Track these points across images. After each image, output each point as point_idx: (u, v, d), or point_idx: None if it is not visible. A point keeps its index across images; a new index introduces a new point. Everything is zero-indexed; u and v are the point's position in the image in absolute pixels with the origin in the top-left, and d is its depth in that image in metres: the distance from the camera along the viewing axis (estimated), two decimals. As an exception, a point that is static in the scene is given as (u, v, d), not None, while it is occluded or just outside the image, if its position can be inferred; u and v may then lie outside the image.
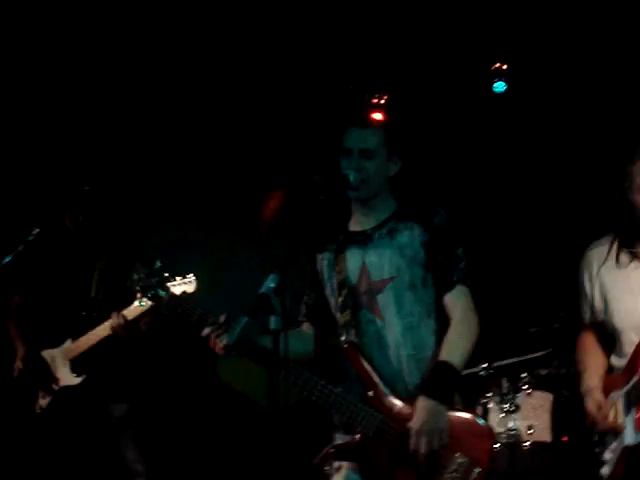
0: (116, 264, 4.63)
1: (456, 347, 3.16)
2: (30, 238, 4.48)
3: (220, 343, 3.18)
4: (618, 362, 3.26)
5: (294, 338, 3.32)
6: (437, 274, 3.24)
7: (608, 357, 3.36)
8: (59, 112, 5.75)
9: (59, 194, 4.77)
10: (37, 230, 4.49)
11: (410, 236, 3.27)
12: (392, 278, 3.24)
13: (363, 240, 3.33)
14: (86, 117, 5.79)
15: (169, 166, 6.08)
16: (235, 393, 5.95)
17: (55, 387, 4.57)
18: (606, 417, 3.14)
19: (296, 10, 5.37)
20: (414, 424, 3.05)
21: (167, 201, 6.09)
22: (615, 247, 3.30)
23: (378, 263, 3.27)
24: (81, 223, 4.70)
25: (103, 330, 4.45)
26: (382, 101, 6.11)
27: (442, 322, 3.25)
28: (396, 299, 3.22)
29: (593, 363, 3.37)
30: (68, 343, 4.57)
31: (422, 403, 3.07)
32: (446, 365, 3.12)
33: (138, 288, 3.36)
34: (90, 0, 5.16)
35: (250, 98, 5.96)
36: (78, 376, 4.54)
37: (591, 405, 3.21)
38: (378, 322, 3.24)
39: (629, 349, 3.19)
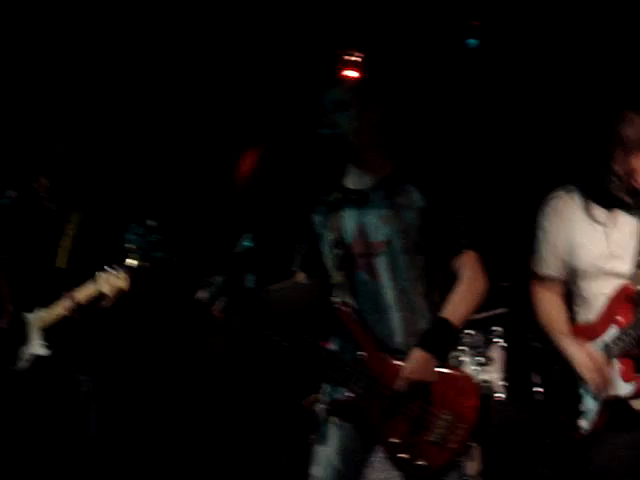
0: (87, 230, 4.52)
1: (457, 306, 3.19)
2: (5, 201, 4.36)
3: (219, 307, 3.18)
4: (585, 312, 3.27)
5: (288, 288, 3.41)
6: (441, 241, 3.25)
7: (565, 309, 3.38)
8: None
9: (33, 155, 4.61)
10: (12, 192, 4.37)
11: (409, 200, 3.26)
12: (389, 241, 3.23)
13: (360, 200, 3.31)
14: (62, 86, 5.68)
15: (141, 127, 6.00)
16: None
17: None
18: (601, 369, 3.13)
19: None
20: (404, 371, 3.11)
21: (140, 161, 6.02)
22: (579, 197, 3.29)
23: (375, 225, 3.26)
24: (50, 188, 4.53)
25: (62, 308, 4.29)
26: (356, 58, 6.07)
27: (433, 286, 3.27)
28: (391, 262, 3.23)
29: (561, 315, 3.37)
30: (38, 312, 4.41)
31: (415, 354, 3.13)
32: (445, 322, 3.16)
33: (134, 247, 3.29)
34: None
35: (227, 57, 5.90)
36: (47, 348, 4.39)
37: (584, 359, 3.19)
38: (373, 283, 3.25)
39: (596, 300, 3.21)
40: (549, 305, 3.40)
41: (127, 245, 3.31)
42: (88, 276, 4.19)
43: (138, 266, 3.31)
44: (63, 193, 4.55)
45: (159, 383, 5.87)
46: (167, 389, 5.87)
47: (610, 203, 3.22)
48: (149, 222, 3.30)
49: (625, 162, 3.16)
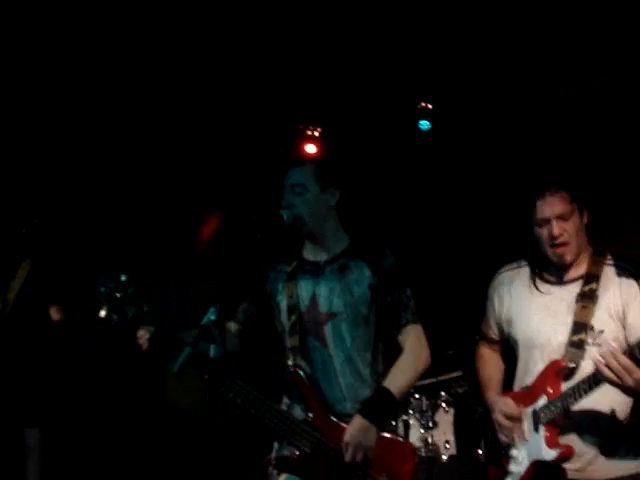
0: (35, 278, 4.58)
1: (397, 377, 3.36)
2: None
3: (144, 344, 3.34)
4: (522, 378, 3.44)
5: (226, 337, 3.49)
6: (387, 315, 3.42)
7: (502, 369, 3.62)
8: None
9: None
10: None
11: (359, 275, 3.43)
12: (339, 314, 3.40)
13: (315, 271, 3.49)
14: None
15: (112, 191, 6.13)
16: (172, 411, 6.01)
17: None
18: (514, 427, 3.35)
19: (234, 41, 5.45)
20: (345, 437, 3.26)
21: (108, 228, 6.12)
22: (526, 271, 3.50)
23: (327, 296, 3.43)
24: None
25: None
26: (315, 133, 6.30)
27: (377, 356, 3.45)
28: (339, 332, 3.39)
29: (495, 374, 3.60)
30: None
31: (356, 420, 3.29)
32: (385, 391, 3.33)
33: (102, 301, 3.38)
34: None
35: (190, 126, 6.08)
36: None
37: (498, 415, 3.40)
38: (323, 350, 3.41)
39: (533, 367, 3.37)
40: (487, 361, 3.66)
41: (96, 297, 3.37)
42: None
43: (106, 318, 3.36)
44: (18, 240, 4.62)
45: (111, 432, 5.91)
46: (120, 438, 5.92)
47: (552, 278, 3.43)
48: (121, 275, 3.38)
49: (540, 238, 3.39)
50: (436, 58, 5.53)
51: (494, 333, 3.62)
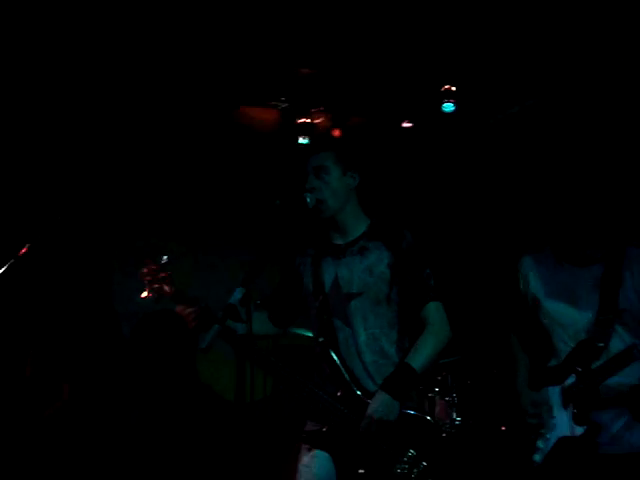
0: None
1: (419, 353, 3.38)
2: None
3: (192, 321, 3.42)
4: (549, 358, 3.47)
5: (262, 320, 3.65)
6: (409, 293, 3.44)
7: (532, 356, 3.60)
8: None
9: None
10: None
11: (378, 256, 3.46)
12: (360, 293, 3.44)
13: (337, 253, 3.53)
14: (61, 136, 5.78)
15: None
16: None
17: None
18: (540, 415, 3.39)
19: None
20: (368, 411, 3.30)
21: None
22: (550, 254, 3.51)
23: (349, 278, 3.47)
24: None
25: None
26: (337, 119, 6.30)
27: (403, 334, 3.47)
28: (362, 312, 3.43)
29: (521, 363, 3.61)
30: None
31: (379, 395, 3.32)
32: (406, 366, 3.35)
33: (146, 282, 3.46)
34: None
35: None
36: None
37: (525, 404, 3.45)
38: (347, 330, 3.45)
39: (562, 347, 3.40)
40: (515, 352, 3.66)
41: (140, 278, 3.45)
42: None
43: (148, 298, 3.46)
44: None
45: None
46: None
47: (576, 259, 3.43)
48: (163, 257, 3.46)
49: None
50: (460, 40, 5.49)
51: (519, 319, 3.63)
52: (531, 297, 3.54)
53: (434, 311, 3.44)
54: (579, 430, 3.27)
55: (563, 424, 3.33)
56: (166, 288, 3.45)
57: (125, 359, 5.36)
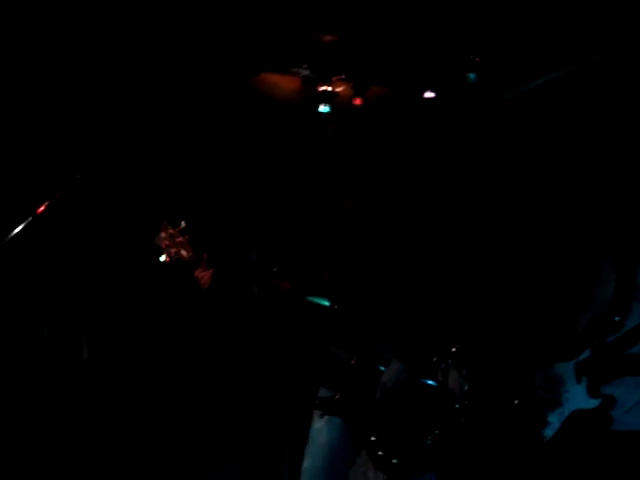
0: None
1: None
2: None
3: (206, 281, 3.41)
4: (566, 331, 3.47)
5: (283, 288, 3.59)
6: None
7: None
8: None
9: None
10: None
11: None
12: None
13: (354, 221, 3.54)
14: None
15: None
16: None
17: None
18: (554, 389, 3.38)
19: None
20: (382, 379, 3.34)
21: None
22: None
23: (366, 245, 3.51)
24: None
25: None
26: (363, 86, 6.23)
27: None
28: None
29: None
30: None
31: (393, 365, 3.36)
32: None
33: (164, 246, 3.49)
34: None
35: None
36: None
37: (539, 380, 3.44)
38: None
39: (578, 322, 3.39)
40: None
41: (157, 242, 3.48)
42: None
43: (167, 261, 3.48)
44: None
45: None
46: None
47: (596, 238, 3.46)
48: (181, 222, 3.49)
49: None
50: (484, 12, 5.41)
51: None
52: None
53: None
54: (594, 403, 3.24)
55: (577, 398, 3.31)
56: (183, 252, 3.47)
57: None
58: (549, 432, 3.37)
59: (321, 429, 3.43)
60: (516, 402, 5.16)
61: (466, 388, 5.26)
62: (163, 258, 3.49)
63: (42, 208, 3.95)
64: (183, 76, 5.85)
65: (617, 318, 3.26)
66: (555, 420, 3.37)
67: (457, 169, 6.52)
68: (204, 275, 3.44)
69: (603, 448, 3.28)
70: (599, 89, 5.64)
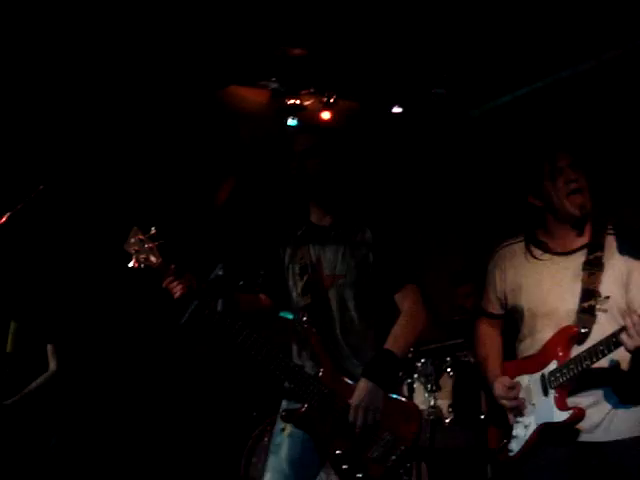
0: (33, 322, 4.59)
1: (399, 337, 3.32)
2: None
3: (177, 291, 3.31)
4: (526, 348, 3.39)
5: (250, 302, 3.57)
6: (385, 275, 3.39)
7: (502, 345, 3.53)
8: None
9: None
10: None
11: (362, 239, 3.41)
12: (342, 276, 3.40)
13: (321, 235, 3.48)
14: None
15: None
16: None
17: None
18: (516, 398, 3.31)
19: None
20: (354, 400, 3.23)
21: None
22: (525, 243, 3.45)
23: (332, 260, 3.43)
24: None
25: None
26: (331, 100, 6.24)
27: (383, 317, 3.41)
28: (342, 295, 3.39)
29: (494, 352, 3.51)
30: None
31: (362, 384, 3.26)
32: (387, 353, 3.29)
33: (132, 252, 3.39)
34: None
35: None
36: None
37: (500, 390, 3.35)
38: (327, 312, 3.41)
39: (541, 336, 3.32)
40: (487, 339, 3.57)
41: (126, 248, 3.38)
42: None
43: (135, 267, 3.38)
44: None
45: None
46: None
47: (556, 248, 3.38)
48: (151, 229, 3.40)
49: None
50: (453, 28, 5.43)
51: (495, 308, 3.54)
52: (508, 288, 3.46)
53: (410, 295, 3.39)
54: (563, 415, 3.19)
55: (544, 410, 3.25)
56: (152, 259, 3.38)
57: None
58: (515, 446, 3.32)
59: (282, 442, 3.36)
60: (481, 417, 5.18)
61: (432, 403, 5.29)
62: (131, 264, 3.40)
63: (3, 219, 3.89)
64: (153, 87, 5.81)
65: (583, 330, 3.23)
66: (521, 433, 3.32)
67: (424, 183, 6.55)
68: (173, 285, 3.35)
69: (572, 461, 3.23)
70: (565, 105, 5.70)
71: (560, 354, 3.24)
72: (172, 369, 6.08)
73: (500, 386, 3.37)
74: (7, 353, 4.57)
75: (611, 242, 3.32)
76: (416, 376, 5.37)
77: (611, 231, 3.35)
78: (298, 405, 3.35)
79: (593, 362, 3.13)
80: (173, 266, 3.35)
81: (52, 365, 4.59)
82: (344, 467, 3.22)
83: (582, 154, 3.35)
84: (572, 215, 3.33)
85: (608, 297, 3.24)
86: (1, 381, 4.45)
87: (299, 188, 3.43)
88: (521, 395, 3.33)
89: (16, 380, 4.50)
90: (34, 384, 4.52)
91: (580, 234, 3.36)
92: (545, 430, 3.24)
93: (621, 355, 3.15)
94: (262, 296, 3.65)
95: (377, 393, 3.24)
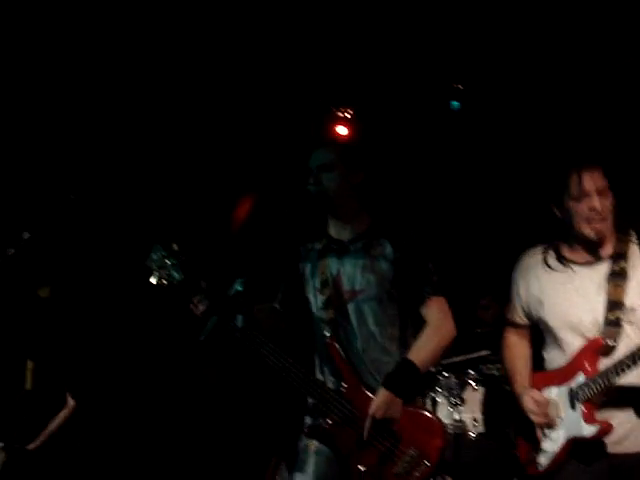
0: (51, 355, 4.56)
1: (421, 349, 3.27)
2: None
3: (199, 309, 3.32)
4: (553, 359, 3.35)
5: (268, 315, 3.53)
6: (410, 289, 3.34)
7: (530, 355, 3.48)
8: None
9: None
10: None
11: (382, 253, 3.37)
12: (362, 291, 3.36)
13: (340, 249, 3.45)
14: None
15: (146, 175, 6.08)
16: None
17: None
18: (546, 414, 3.25)
19: (264, 26, 5.37)
20: (371, 410, 3.18)
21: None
22: (549, 254, 3.40)
23: (351, 274, 3.39)
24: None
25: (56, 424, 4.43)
26: (346, 114, 6.21)
27: (406, 331, 3.37)
28: (362, 310, 3.35)
29: (522, 363, 3.46)
30: None
31: (380, 393, 3.21)
32: (408, 363, 3.23)
33: (155, 268, 3.38)
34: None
35: (223, 107, 6.00)
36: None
37: (530, 404, 3.29)
38: (348, 327, 3.36)
39: (567, 347, 3.28)
40: (515, 349, 3.51)
41: (148, 264, 3.39)
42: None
43: (157, 284, 3.38)
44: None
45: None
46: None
47: (580, 259, 3.33)
48: (173, 245, 3.40)
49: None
50: (468, 39, 5.40)
51: (521, 318, 3.49)
52: (534, 299, 3.40)
53: (436, 307, 3.33)
54: (590, 430, 3.13)
55: (572, 424, 3.19)
56: (175, 275, 3.37)
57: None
58: (543, 460, 3.26)
59: (308, 459, 3.31)
60: (507, 430, 5.10)
61: (456, 417, 5.21)
62: (154, 280, 3.38)
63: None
64: (174, 99, 5.81)
65: (611, 343, 3.17)
66: (549, 447, 3.25)
67: (440, 193, 6.50)
68: (196, 302, 3.35)
69: (600, 475, 3.16)
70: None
71: (588, 367, 3.19)
72: (189, 389, 6.05)
73: (530, 400, 3.31)
74: (27, 391, 4.54)
75: (635, 251, 3.27)
76: (439, 390, 5.29)
77: (635, 240, 3.29)
78: (321, 421, 3.30)
79: (619, 375, 3.08)
80: (196, 283, 3.34)
81: (70, 401, 4.54)
82: None
83: (612, 169, 3.29)
84: (587, 238, 3.29)
85: (634, 309, 3.19)
86: (21, 419, 4.43)
87: (316, 203, 3.40)
88: (550, 407, 3.27)
89: (35, 417, 4.48)
90: (54, 423, 4.49)
91: (605, 245, 3.30)
92: (573, 444, 3.18)
93: None
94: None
95: (394, 403, 3.19)
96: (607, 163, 3.32)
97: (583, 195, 3.23)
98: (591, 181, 3.22)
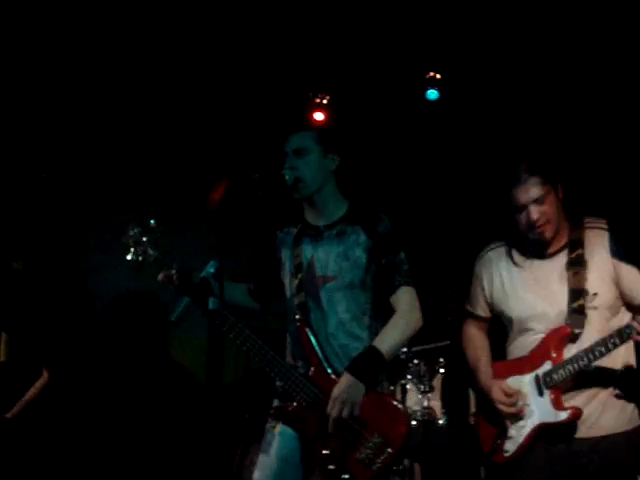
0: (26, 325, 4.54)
1: (387, 336, 3.30)
2: None
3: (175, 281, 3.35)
4: (517, 349, 3.38)
5: (241, 291, 3.60)
6: (382, 277, 3.36)
7: (489, 347, 3.52)
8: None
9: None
10: None
11: (355, 241, 3.38)
12: (334, 277, 3.36)
13: (315, 235, 3.45)
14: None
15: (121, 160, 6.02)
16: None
17: None
18: (514, 403, 3.28)
19: (242, 13, 5.33)
20: (333, 393, 3.20)
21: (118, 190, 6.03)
22: (511, 248, 3.44)
23: (325, 260, 3.39)
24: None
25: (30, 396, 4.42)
26: (324, 101, 6.20)
27: (376, 319, 3.38)
28: (335, 296, 3.35)
29: (484, 354, 3.50)
30: None
31: (344, 377, 3.23)
32: (373, 350, 3.26)
33: (130, 243, 3.37)
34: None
35: (197, 94, 5.96)
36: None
37: (499, 395, 3.31)
38: (318, 312, 3.37)
39: (531, 338, 3.30)
40: (476, 341, 3.56)
41: (124, 240, 3.39)
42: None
43: (132, 260, 3.38)
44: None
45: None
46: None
47: (538, 252, 3.36)
48: (150, 221, 3.40)
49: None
50: (445, 27, 5.40)
51: (484, 311, 3.53)
52: (497, 293, 3.45)
53: (405, 296, 3.35)
54: (562, 415, 3.17)
55: (541, 411, 3.23)
56: (150, 251, 3.37)
57: (98, 339, 5.24)
58: (510, 446, 3.28)
59: (272, 440, 3.32)
60: (472, 422, 5.13)
61: (425, 404, 5.23)
62: (129, 257, 3.39)
63: None
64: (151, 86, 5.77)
65: (577, 330, 3.21)
66: (516, 433, 3.28)
67: (412, 184, 6.51)
68: (170, 280, 3.37)
69: (567, 457, 3.21)
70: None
71: (554, 355, 3.23)
72: (163, 371, 6.03)
73: (499, 390, 3.33)
74: (1, 362, 4.57)
75: (590, 237, 3.30)
76: (409, 377, 5.31)
77: (588, 225, 3.33)
78: (287, 403, 3.31)
79: (590, 362, 3.13)
80: (169, 261, 3.35)
81: (45, 372, 4.53)
82: (330, 467, 3.18)
83: (549, 167, 3.30)
84: (534, 241, 3.33)
85: (596, 294, 3.23)
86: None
87: (292, 188, 3.39)
88: (518, 396, 3.30)
89: (10, 388, 4.46)
90: (30, 393, 4.46)
91: (559, 235, 3.33)
92: (542, 430, 3.22)
93: (611, 353, 3.13)
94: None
95: (357, 388, 3.21)
96: (553, 160, 3.35)
97: (520, 209, 3.26)
98: (525, 194, 3.23)
